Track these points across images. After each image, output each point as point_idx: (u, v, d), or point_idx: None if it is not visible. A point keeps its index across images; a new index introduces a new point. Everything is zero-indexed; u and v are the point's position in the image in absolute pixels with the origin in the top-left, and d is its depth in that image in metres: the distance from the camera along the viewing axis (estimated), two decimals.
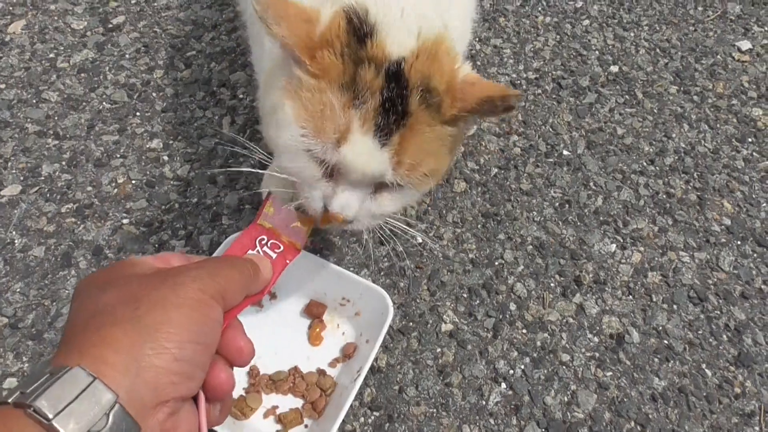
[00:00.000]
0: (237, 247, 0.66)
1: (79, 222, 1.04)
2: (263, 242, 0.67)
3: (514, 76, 1.34)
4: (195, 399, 0.49)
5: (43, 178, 1.08)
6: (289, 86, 0.65)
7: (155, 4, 1.39)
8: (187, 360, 0.44)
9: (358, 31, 0.63)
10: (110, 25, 1.34)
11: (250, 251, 0.66)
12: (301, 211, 0.72)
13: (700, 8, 1.53)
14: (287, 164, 0.68)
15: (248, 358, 0.53)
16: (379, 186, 0.68)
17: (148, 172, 1.10)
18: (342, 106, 0.62)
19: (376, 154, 0.63)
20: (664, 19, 1.50)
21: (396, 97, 0.62)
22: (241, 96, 1.23)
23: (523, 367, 0.93)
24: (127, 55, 1.29)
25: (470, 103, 0.64)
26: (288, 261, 0.68)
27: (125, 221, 1.04)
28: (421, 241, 1.05)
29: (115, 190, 1.08)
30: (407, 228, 0.77)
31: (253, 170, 0.91)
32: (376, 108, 0.62)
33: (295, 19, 0.63)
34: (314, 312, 0.90)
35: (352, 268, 1.01)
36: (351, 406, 0.85)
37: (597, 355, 0.95)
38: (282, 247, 0.68)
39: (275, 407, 0.83)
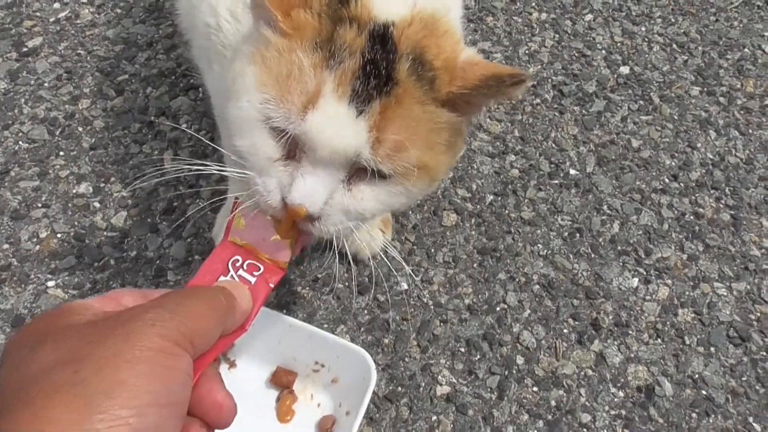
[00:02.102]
0: (205, 273, 0.64)
1: None
2: (238, 264, 0.66)
3: None
4: None
5: None
6: (254, 52, 0.67)
7: (78, 21, 1.43)
8: (151, 429, 0.42)
9: None
10: (25, 49, 1.37)
11: (222, 277, 0.64)
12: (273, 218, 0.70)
13: None
14: (239, 142, 0.68)
15: (230, 415, 0.52)
16: (356, 174, 0.67)
17: (76, 223, 1.13)
18: (313, 66, 0.64)
19: (350, 123, 0.62)
20: (679, 9, 1.56)
21: (380, 61, 0.63)
22: (184, 125, 1.26)
23: None
24: (46, 84, 1.32)
25: (472, 81, 0.65)
26: (271, 284, 0.66)
27: (50, 284, 1.06)
28: (406, 287, 1.08)
29: (38, 246, 1.10)
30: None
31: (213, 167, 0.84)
32: (354, 70, 0.62)
33: None
34: (283, 381, 0.92)
35: (325, 325, 1.03)
36: None
37: (623, 412, 0.98)
38: (262, 268, 0.66)
39: None
